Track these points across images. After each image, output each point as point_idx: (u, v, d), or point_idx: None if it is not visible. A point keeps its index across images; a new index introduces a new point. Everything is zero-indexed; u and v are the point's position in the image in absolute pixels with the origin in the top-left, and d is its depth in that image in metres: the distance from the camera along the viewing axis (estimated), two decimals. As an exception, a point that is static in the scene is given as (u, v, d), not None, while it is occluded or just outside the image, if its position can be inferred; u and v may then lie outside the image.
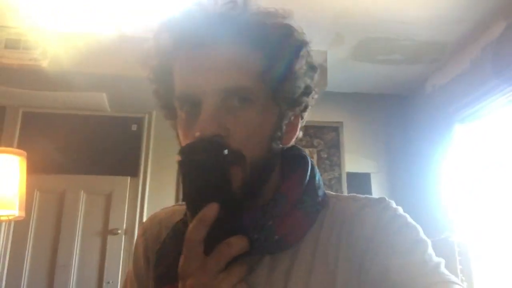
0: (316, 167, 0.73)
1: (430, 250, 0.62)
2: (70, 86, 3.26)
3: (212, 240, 0.56)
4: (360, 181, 3.81)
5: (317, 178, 0.71)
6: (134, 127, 3.76)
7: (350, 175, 3.82)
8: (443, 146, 3.38)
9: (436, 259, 0.61)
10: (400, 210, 0.68)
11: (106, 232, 3.51)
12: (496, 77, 2.81)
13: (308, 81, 0.69)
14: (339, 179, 3.79)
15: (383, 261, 0.60)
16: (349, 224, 0.66)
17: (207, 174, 0.56)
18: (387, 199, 0.69)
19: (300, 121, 0.72)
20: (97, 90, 3.36)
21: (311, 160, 0.73)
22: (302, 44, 0.67)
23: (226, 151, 0.57)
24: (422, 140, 3.69)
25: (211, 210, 0.55)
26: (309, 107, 0.72)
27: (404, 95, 4.00)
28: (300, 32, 0.68)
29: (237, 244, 0.57)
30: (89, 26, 2.99)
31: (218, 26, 0.63)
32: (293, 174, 0.70)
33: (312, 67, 0.69)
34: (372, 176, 3.86)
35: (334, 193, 0.74)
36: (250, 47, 0.64)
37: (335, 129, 3.91)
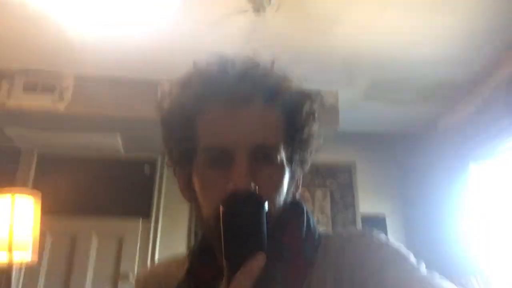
0: (309, 210, 0.76)
1: (412, 260, 0.64)
2: (85, 128, 3.31)
3: None
4: (374, 223, 3.74)
5: (311, 222, 0.74)
6: (147, 169, 3.77)
7: (365, 217, 3.76)
8: (458, 185, 3.32)
9: (416, 264, 0.63)
10: (380, 237, 0.69)
11: (117, 276, 3.45)
12: (510, 116, 2.80)
13: (320, 142, 0.75)
14: (353, 220, 3.73)
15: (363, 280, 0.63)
16: (335, 260, 0.68)
17: (251, 226, 0.57)
18: (368, 230, 0.71)
19: (301, 176, 0.77)
20: (112, 132, 3.41)
21: (304, 204, 0.76)
22: (318, 109, 0.73)
23: (266, 205, 0.59)
24: (437, 180, 3.63)
25: (259, 261, 0.54)
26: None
27: (417, 134, 3.98)
28: (315, 97, 0.73)
29: None
30: (104, 70, 3.07)
31: (249, 85, 0.67)
32: (292, 220, 0.71)
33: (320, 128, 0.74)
34: (387, 217, 3.79)
35: (324, 232, 0.75)
36: (276, 109, 0.69)
37: (348, 169, 3.88)
